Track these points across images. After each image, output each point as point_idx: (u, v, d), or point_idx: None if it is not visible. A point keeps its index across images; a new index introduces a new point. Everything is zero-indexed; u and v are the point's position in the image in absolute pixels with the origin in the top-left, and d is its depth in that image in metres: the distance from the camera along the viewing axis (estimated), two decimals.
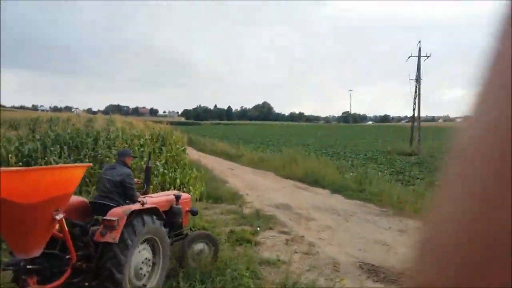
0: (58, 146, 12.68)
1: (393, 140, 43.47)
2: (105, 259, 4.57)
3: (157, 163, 12.93)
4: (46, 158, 11.56)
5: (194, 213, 6.63)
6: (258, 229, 8.56)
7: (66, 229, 4.49)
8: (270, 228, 8.83)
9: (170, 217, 5.89)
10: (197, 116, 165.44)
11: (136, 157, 11.41)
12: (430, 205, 0.39)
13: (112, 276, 4.51)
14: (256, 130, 68.85)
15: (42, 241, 4.34)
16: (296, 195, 12.93)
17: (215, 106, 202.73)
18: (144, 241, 5.04)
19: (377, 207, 11.35)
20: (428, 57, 30.32)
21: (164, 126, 22.59)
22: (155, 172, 12.11)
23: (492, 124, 0.34)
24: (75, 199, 5.24)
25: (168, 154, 15.01)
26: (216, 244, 6.30)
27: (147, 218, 4.96)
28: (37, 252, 4.29)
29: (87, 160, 11.81)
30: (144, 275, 5.00)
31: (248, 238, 7.71)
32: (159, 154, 14.75)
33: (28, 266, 4.26)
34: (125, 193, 5.31)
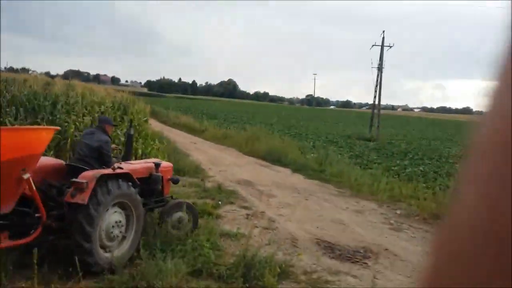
0: (14, 107, 12.11)
1: (354, 125, 44.41)
2: (74, 225, 4.70)
3: (118, 131, 12.63)
4: (1, 119, 11.03)
5: (175, 181, 6.74)
6: (220, 203, 8.62)
7: (34, 188, 4.55)
8: (231, 203, 8.90)
9: (149, 184, 6.01)
10: (160, 88, 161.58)
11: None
12: (449, 202, 0.38)
13: (82, 228, 4.67)
14: (220, 107, 68.28)
15: (11, 198, 4.46)
16: (258, 172, 13.04)
17: (180, 79, 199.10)
18: (117, 204, 5.13)
19: (335, 187, 11.63)
20: (390, 47, 30.93)
21: (126, 95, 22.01)
22: (116, 141, 11.84)
23: (508, 119, 0.34)
24: (52, 161, 5.52)
25: (115, 123, 14.67)
26: (196, 214, 6.45)
27: (117, 183, 5.07)
28: (7, 209, 4.44)
29: (44, 123, 11.37)
30: (116, 236, 5.12)
31: (210, 211, 7.74)
32: (120, 123, 14.41)
33: None
34: (102, 159, 5.40)
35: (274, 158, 15.30)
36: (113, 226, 5.08)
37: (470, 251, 0.34)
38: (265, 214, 8.27)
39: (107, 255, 5.06)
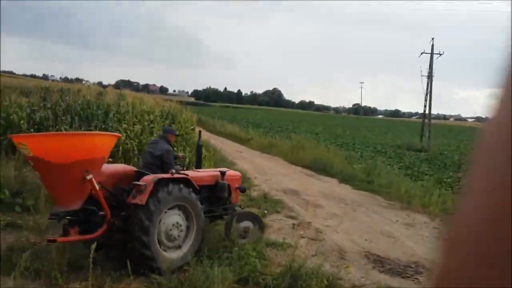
0: (69, 116, 12.70)
1: (403, 135, 43.17)
2: (133, 223, 5.07)
3: None
4: (57, 127, 11.59)
5: (242, 190, 6.92)
6: (266, 212, 8.56)
7: (98, 188, 4.96)
8: (277, 212, 8.84)
9: (216, 191, 6.29)
10: (207, 98, 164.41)
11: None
12: (457, 199, 0.40)
13: (139, 239, 5.01)
14: (265, 115, 68.50)
15: (78, 197, 4.90)
16: (304, 182, 12.91)
17: (225, 89, 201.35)
18: (177, 208, 5.45)
19: (384, 199, 11.30)
20: (440, 54, 29.90)
21: (174, 104, 22.54)
22: None
23: (509, 125, 0.35)
24: (124, 168, 6.07)
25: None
26: (262, 225, 6.57)
27: (174, 187, 5.34)
28: (75, 206, 4.91)
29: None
30: (175, 238, 5.40)
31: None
32: None
33: (67, 217, 4.91)
34: (163, 167, 5.77)
35: (320, 168, 15.10)
36: (173, 225, 5.36)
37: (473, 252, 0.35)
38: (311, 225, 8.13)
39: (166, 254, 5.32)
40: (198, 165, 7.08)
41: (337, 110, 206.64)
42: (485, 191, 0.35)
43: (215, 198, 6.32)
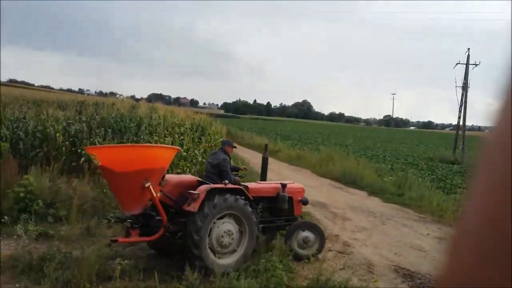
0: (102, 128, 13.05)
1: (436, 147, 42.12)
2: (188, 225, 5.41)
3: (196, 151, 13.10)
4: (91, 139, 11.92)
5: (305, 202, 7.13)
6: None
7: (155, 195, 5.36)
8: None
9: (277, 203, 6.57)
10: (236, 110, 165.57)
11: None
12: (463, 202, 0.41)
13: (192, 237, 5.33)
14: (294, 127, 68.30)
15: (138, 202, 5.33)
16: (332, 194, 12.77)
17: (255, 101, 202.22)
18: (230, 216, 5.68)
19: (415, 212, 11.05)
20: (476, 65, 28.99)
21: (204, 116, 22.86)
22: (193, 161, 12.29)
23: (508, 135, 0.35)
24: (190, 178, 6.44)
25: (207, 144, 15.18)
26: (322, 236, 6.71)
27: (226, 196, 5.61)
28: (136, 211, 5.35)
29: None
30: (226, 245, 5.61)
31: (282, 232, 7.67)
32: (198, 143, 14.93)
33: (128, 220, 5.33)
34: (221, 175, 6.16)
35: (349, 180, 14.93)
36: (222, 237, 5.57)
37: (473, 252, 0.35)
38: (339, 238, 8.03)
39: (218, 260, 5.57)
40: (263, 177, 7.39)
41: (367, 122, 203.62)
42: (485, 191, 0.36)
43: (276, 210, 6.56)
